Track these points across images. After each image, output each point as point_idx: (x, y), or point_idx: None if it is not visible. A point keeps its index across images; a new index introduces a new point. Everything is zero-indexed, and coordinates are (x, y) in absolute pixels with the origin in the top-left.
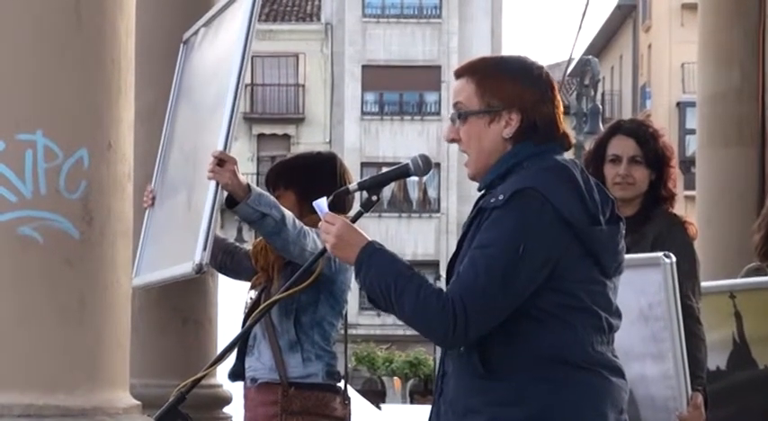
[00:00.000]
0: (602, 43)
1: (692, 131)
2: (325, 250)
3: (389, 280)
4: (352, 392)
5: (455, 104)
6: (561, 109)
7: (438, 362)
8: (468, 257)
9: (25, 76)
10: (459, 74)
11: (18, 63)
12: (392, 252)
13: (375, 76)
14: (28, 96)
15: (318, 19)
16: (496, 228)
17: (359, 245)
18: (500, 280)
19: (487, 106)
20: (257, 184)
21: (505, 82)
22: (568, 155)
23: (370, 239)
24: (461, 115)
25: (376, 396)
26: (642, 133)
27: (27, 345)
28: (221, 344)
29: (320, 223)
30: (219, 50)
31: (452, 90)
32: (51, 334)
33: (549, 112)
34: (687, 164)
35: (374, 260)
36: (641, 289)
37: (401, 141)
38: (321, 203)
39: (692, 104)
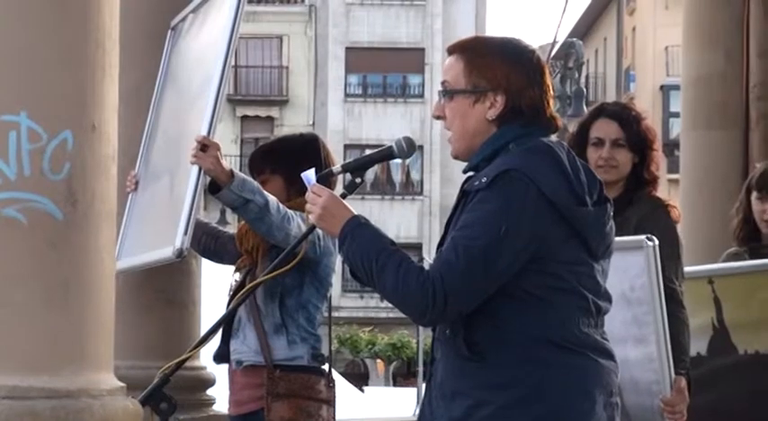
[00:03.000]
0: (587, 26)
1: (676, 114)
2: (308, 232)
3: (372, 254)
4: (335, 375)
5: (442, 82)
6: (551, 93)
7: (421, 345)
8: (451, 238)
9: (9, 58)
10: (451, 50)
11: (2, 45)
12: (377, 227)
13: (359, 58)
14: (12, 78)
15: (302, 1)
16: (479, 209)
17: (344, 217)
18: (481, 259)
19: (473, 86)
20: (240, 166)
21: (494, 63)
22: (551, 138)
23: (355, 213)
24: (447, 93)
25: (359, 378)
26: (625, 116)
27: (11, 327)
28: (205, 327)
29: (307, 194)
30: (206, 37)
31: (444, 66)
32: (36, 316)
33: (535, 97)
34: (671, 147)
35: (358, 234)
36: (624, 272)
37: (385, 123)
38: (309, 175)
39: (676, 87)
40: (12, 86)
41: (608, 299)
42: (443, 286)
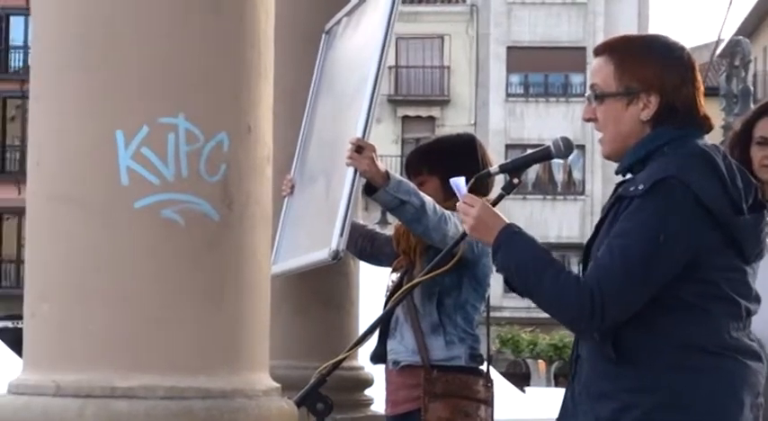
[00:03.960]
0: (755, 23)
1: None
2: (465, 234)
3: (528, 264)
4: (495, 375)
5: (592, 85)
6: (702, 90)
7: (572, 344)
8: (606, 245)
9: (167, 61)
10: (598, 52)
11: (159, 48)
12: (531, 236)
13: (520, 57)
14: (169, 81)
15: (464, 0)
16: (637, 216)
17: (497, 227)
18: (638, 268)
19: (626, 88)
20: (401, 166)
21: (645, 63)
22: (717, 136)
23: (508, 222)
24: (598, 96)
25: (520, 379)
26: None
27: (169, 328)
28: (362, 327)
29: (458, 204)
30: (361, 39)
31: (591, 68)
32: (193, 316)
33: (689, 95)
34: None
35: (512, 243)
36: None
37: (546, 123)
38: (459, 183)
39: None
40: (169, 89)
41: (758, 301)
42: (602, 295)
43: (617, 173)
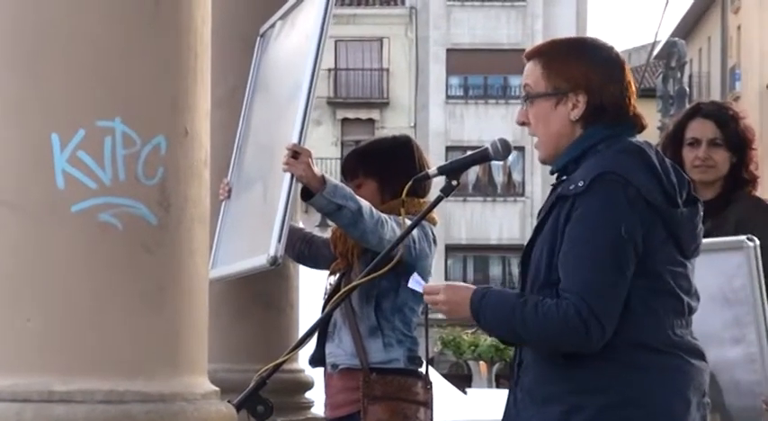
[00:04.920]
0: (690, 25)
1: None
2: (404, 237)
3: (507, 317)
4: (436, 377)
5: (524, 86)
6: (633, 90)
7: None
8: (568, 257)
9: (103, 64)
10: (528, 56)
11: (96, 51)
12: (498, 289)
13: (459, 59)
14: (106, 84)
15: (403, 3)
16: (588, 220)
17: (466, 300)
18: (612, 268)
19: (554, 88)
20: (341, 169)
21: (571, 63)
22: (654, 137)
23: (473, 288)
24: (528, 97)
25: (462, 380)
26: (722, 115)
27: (107, 332)
28: (302, 330)
29: (425, 297)
30: (295, 43)
31: (523, 73)
32: (131, 320)
33: (616, 93)
34: None
35: (485, 305)
36: (724, 272)
37: (486, 125)
38: (417, 279)
39: None
40: (106, 92)
41: (697, 298)
42: (589, 308)
43: (552, 173)
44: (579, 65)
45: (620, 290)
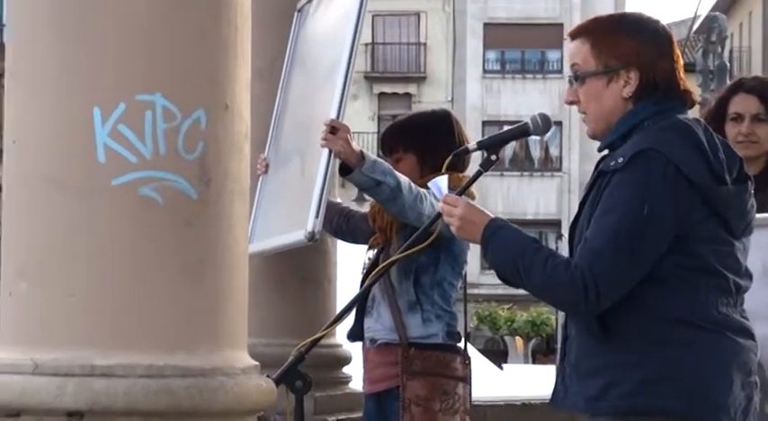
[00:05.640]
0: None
1: None
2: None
3: (516, 255)
4: (473, 352)
5: (572, 66)
6: (681, 64)
7: (560, 323)
8: (593, 224)
9: (144, 38)
10: (573, 35)
11: (136, 25)
12: (516, 227)
13: (497, 33)
14: (146, 58)
15: None
16: (619, 192)
17: (482, 223)
18: (627, 244)
19: (605, 66)
20: (378, 143)
21: (621, 40)
22: (694, 112)
23: (492, 216)
24: (578, 77)
25: (498, 355)
26: (765, 90)
27: (149, 306)
28: (340, 305)
29: (440, 205)
30: (333, 18)
31: (568, 52)
32: (172, 294)
33: (668, 68)
34: None
35: (499, 236)
36: (765, 248)
37: (523, 99)
38: (439, 183)
39: None
40: (146, 67)
41: (749, 277)
42: (594, 276)
43: (599, 150)
44: (629, 41)
45: (630, 267)
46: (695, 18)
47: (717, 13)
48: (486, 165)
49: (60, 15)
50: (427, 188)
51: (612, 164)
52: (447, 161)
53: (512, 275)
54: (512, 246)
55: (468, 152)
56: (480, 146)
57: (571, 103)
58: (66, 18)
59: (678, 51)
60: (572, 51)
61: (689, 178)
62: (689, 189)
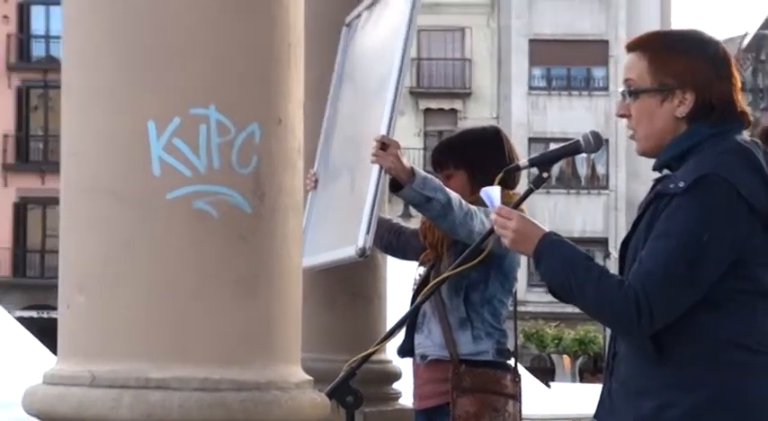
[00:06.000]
0: None
1: None
2: (493, 229)
3: (569, 270)
4: (521, 370)
5: (626, 80)
6: (739, 86)
7: (608, 340)
8: (649, 245)
9: (199, 52)
10: (630, 48)
11: (191, 39)
12: (570, 242)
13: (542, 50)
14: (201, 72)
15: None
16: (679, 216)
17: (536, 237)
18: (683, 269)
19: (660, 84)
20: (424, 159)
21: (679, 58)
22: (744, 132)
23: (546, 230)
24: (632, 93)
25: (545, 373)
26: None
27: (204, 320)
28: (390, 321)
29: (493, 217)
30: (382, 33)
31: (624, 64)
32: (227, 308)
33: (725, 90)
34: None
35: (553, 251)
36: None
37: (569, 117)
38: (491, 193)
39: None
40: (201, 80)
41: None
42: (647, 298)
43: (654, 169)
44: (687, 60)
45: (683, 292)
46: (744, 35)
47: (766, 31)
48: (537, 183)
49: (115, 29)
50: (478, 205)
51: (672, 187)
52: (498, 178)
53: (564, 291)
54: (566, 262)
55: (519, 169)
56: (532, 163)
57: (622, 116)
58: (123, 32)
59: (736, 73)
60: (628, 64)
61: (749, 203)
62: (749, 213)
